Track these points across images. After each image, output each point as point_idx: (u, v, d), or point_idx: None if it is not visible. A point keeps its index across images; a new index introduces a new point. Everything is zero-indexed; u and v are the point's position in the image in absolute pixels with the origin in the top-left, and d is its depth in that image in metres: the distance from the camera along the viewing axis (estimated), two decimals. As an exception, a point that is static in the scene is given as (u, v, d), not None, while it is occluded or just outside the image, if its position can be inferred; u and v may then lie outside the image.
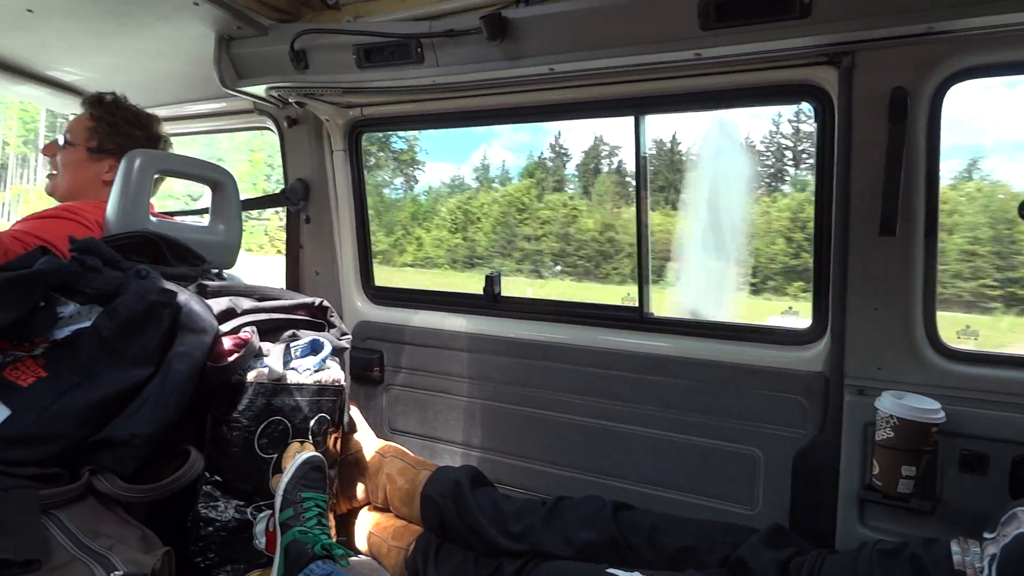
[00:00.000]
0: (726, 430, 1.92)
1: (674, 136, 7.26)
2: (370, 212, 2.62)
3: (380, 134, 2.74)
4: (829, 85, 1.72)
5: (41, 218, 1.79)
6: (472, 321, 2.37)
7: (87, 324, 1.39)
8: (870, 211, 1.64)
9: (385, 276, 2.65)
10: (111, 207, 1.79)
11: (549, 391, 2.19)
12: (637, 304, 2.11)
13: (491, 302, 2.37)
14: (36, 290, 1.36)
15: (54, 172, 2.06)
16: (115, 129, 2.03)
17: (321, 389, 1.66)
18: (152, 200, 1.94)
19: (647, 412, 2.03)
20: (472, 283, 2.91)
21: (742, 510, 1.91)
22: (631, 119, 2.04)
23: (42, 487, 1.21)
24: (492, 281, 2.36)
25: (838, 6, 1.43)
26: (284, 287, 2.61)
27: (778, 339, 1.91)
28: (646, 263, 2.11)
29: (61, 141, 2.05)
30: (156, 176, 1.96)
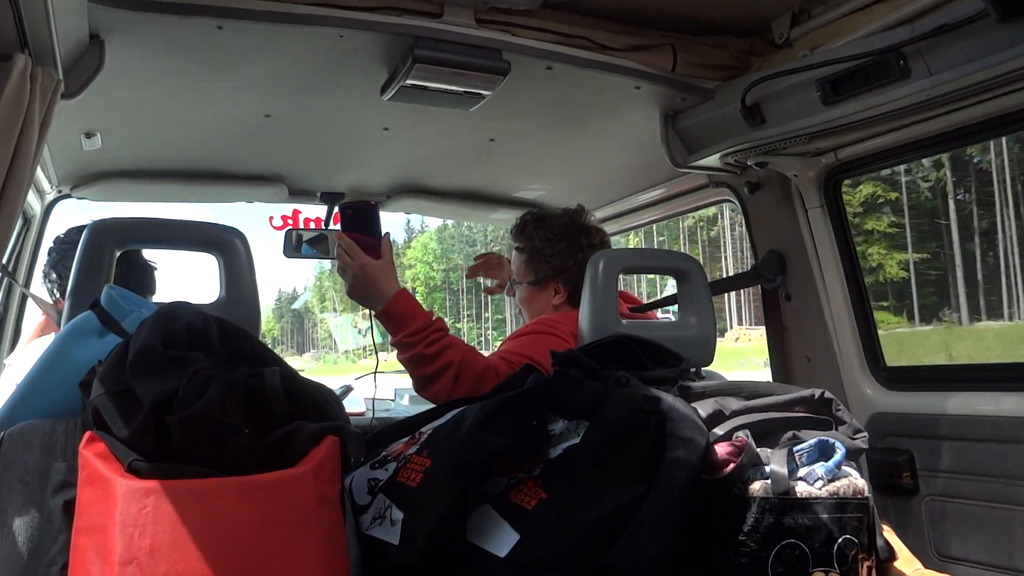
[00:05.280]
0: None
1: None
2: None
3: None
4: None
5: (522, 335, 1.96)
6: None
7: (576, 440, 1.36)
8: None
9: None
10: (583, 314, 1.80)
11: None
12: None
13: None
14: (528, 409, 1.39)
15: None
16: (540, 255, 2.15)
17: (841, 504, 1.34)
18: None
19: None
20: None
21: None
22: None
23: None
24: None
25: None
26: (771, 380, 2.32)
27: None
28: None
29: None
30: None
